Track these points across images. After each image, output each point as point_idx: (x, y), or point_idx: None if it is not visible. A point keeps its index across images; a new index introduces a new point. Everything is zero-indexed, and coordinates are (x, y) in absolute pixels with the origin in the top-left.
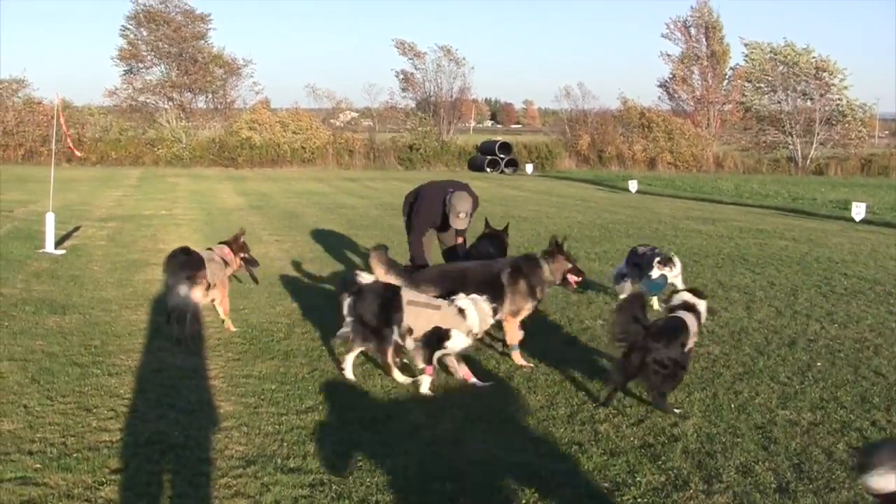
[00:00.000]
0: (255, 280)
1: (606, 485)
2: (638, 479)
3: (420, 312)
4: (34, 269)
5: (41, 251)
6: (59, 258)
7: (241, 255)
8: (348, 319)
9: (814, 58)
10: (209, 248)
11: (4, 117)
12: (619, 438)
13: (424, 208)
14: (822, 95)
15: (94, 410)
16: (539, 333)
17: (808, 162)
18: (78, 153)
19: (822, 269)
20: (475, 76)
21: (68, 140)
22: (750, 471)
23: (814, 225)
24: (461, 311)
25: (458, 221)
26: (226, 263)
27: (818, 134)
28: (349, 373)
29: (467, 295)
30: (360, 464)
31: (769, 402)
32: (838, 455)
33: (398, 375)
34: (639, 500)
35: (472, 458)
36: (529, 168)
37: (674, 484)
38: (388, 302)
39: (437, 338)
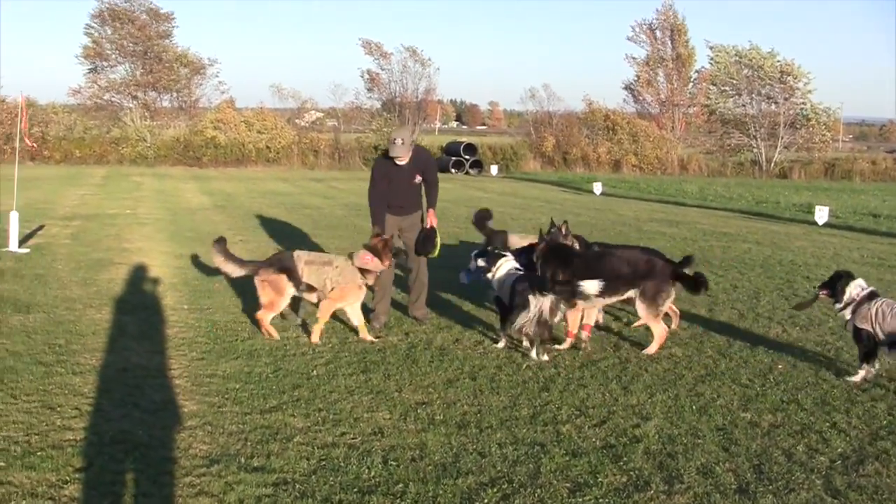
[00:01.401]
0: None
1: (568, 485)
2: (600, 479)
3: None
4: None
5: (5, 250)
6: (22, 257)
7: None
8: None
9: (779, 62)
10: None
11: None
12: (581, 439)
13: (375, 170)
14: (786, 99)
15: (59, 409)
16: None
17: (772, 165)
18: (30, 143)
19: (785, 273)
20: (441, 77)
21: (25, 133)
22: (711, 472)
23: (777, 228)
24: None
25: (394, 149)
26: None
27: (782, 137)
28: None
29: None
30: (324, 463)
31: (730, 403)
32: (798, 457)
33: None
34: (600, 500)
35: (435, 459)
36: (494, 169)
37: (635, 485)
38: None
39: None
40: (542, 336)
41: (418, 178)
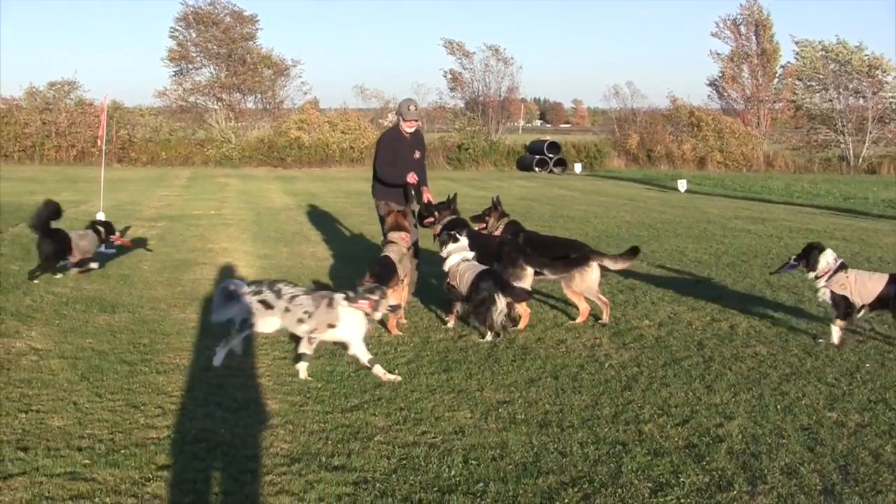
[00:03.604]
0: None
1: (650, 485)
2: (682, 479)
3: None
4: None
5: None
6: (109, 257)
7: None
8: None
9: (866, 56)
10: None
11: (57, 119)
12: (663, 439)
13: (382, 144)
14: (874, 93)
15: (142, 408)
16: (585, 334)
17: (860, 161)
18: (99, 142)
19: (873, 269)
20: (523, 76)
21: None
22: (795, 472)
23: (865, 225)
24: None
25: (410, 113)
26: None
27: (871, 132)
28: None
29: None
30: (404, 462)
31: (816, 403)
32: (886, 457)
33: None
34: (682, 500)
35: (516, 458)
36: (578, 167)
37: (718, 485)
38: None
39: None
40: (507, 325)
41: (418, 154)
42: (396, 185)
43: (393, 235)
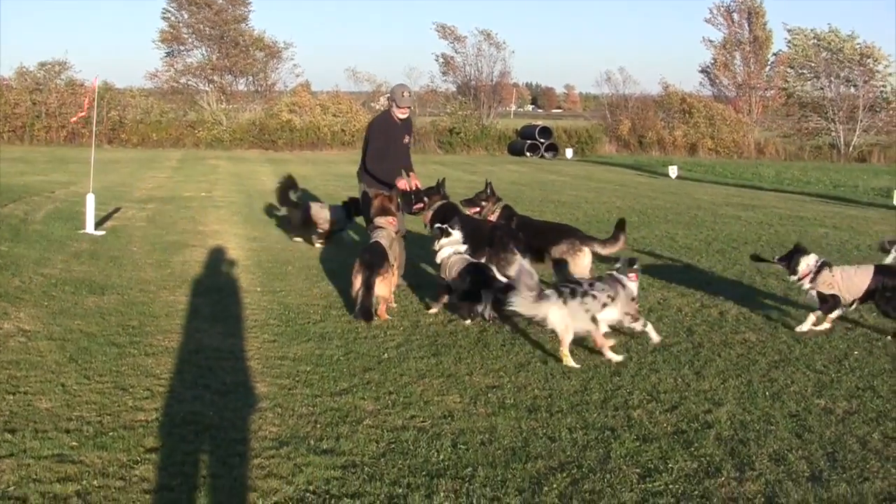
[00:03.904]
0: None
1: (638, 471)
2: (670, 465)
3: None
4: (74, 249)
5: (81, 232)
6: (98, 239)
7: None
8: None
9: (858, 44)
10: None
11: (47, 99)
12: (652, 424)
13: (374, 131)
14: (865, 82)
15: (131, 390)
16: None
17: (850, 149)
18: (75, 120)
19: (863, 257)
20: (515, 60)
21: (80, 111)
22: (783, 459)
23: (855, 212)
24: None
25: (404, 99)
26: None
27: (861, 121)
28: None
29: None
30: (393, 446)
31: (804, 390)
32: (873, 444)
33: None
34: (671, 486)
35: (505, 443)
36: (569, 153)
37: (706, 471)
38: None
39: None
40: (492, 317)
41: (407, 139)
42: (383, 183)
43: (380, 220)
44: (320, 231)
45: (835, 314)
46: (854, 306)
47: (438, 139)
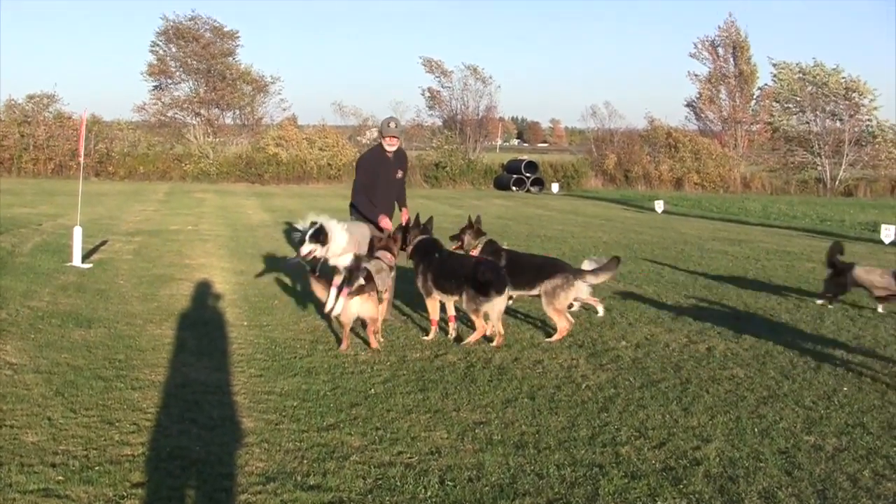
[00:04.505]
0: None
1: None
2: (658, 502)
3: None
4: (61, 282)
5: (68, 265)
6: (85, 272)
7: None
8: None
9: (843, 78)
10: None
11: (35, 131)
12: (640, 461)
13: (363, 164)
14: (851, 116)
15: (117, 424)
16: (562, 354)
17: (836, 183)
18: (78, 157)
19: (850, 293)
20: (502, 95)
21: (78, 149)
22: (773, 496)
23: None
24: None
25: (391, 130)
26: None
27: (847, 155)
28: None
29: None
30: (380, 482)
31: (794, 426)
32: (864, 482)
33: None
34: None
35: (493, 480)
36: (555, 187)
37: None
38: None
39: None
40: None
41: (400, 174)
42: (366, 218)
43: (379, 253)
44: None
45: None
46: None
47: (424, 173)
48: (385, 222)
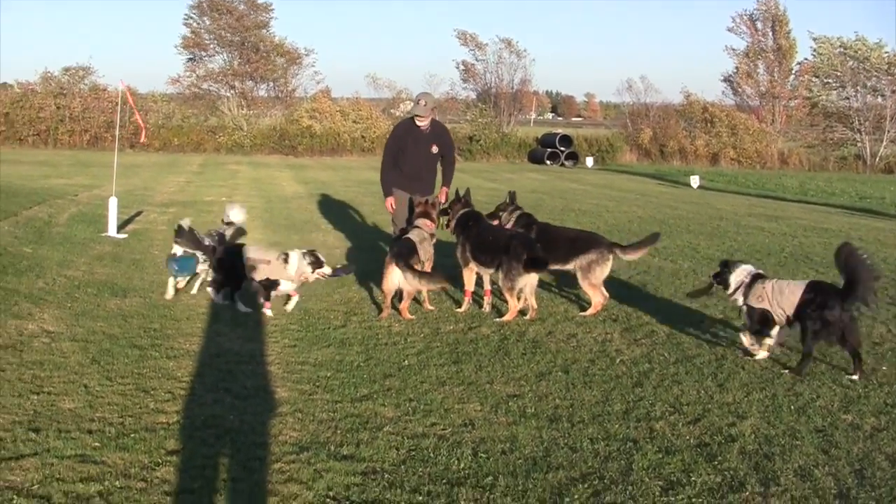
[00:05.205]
0: None
1: (660, 483)
2: (693, 478)
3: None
4: (97, 252)
5: (104, 235)
6: (121, 242)
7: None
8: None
9: (886, 53)
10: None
11: (71, 103)
12: (674, 437)
13: (392, 134)
14: (894, 92)
15: (152, 392)
16: (596, 328)
17: (877, 160)
18: (143, 138)
19: (890, 271)
20: (536, 68)
21: (139, 120)
22: (809, 475)
23: (882, 225)
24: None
25: (417, 108)
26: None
27: (889, 131)
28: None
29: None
30: (413, 454)
31: (830, 404)
32: None
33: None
34: (693, 500)
35: (526, 453)
36: (590, 161)
37: (730, 485)
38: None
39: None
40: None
41: (435, 149)
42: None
43: (419, 221)
44: None
45: (768, 342)
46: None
47: (458, 146)
48: (390, 207)
